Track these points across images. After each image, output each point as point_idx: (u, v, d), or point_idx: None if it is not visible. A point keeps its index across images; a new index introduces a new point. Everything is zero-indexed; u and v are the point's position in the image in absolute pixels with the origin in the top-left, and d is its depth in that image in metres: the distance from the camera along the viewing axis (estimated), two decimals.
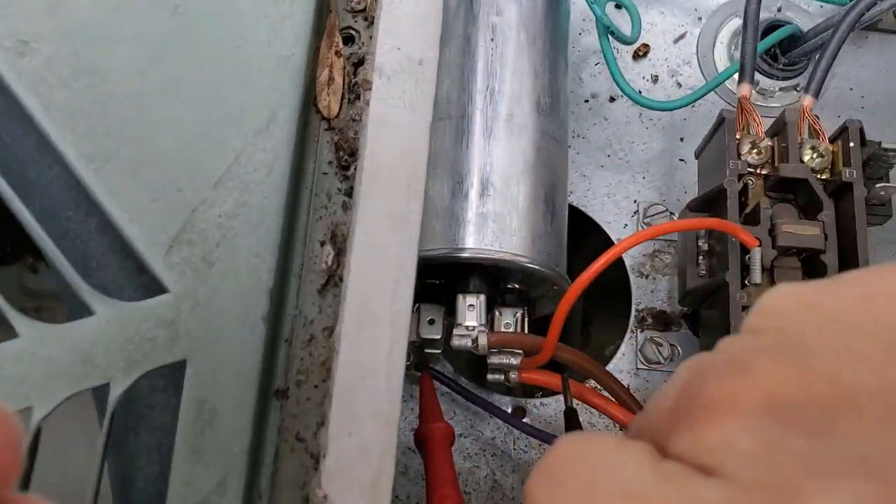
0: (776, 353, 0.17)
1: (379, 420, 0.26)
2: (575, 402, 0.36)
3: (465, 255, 0.33)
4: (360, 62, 0.31)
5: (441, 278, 0.36)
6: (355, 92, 0.31)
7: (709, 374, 0.18)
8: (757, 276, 0.35)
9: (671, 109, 0.44)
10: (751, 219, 0.37)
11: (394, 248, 0.28)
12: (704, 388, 0.17)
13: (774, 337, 0.18)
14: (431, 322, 0.36)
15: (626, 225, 0.44)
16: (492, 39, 0.37)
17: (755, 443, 0.16)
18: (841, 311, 0.18)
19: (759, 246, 0.35)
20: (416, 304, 0.35)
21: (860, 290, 0.18)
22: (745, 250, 0.36)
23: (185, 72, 0.28)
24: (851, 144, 0.36)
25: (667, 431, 0.18)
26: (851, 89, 0.46)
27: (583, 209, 0.45)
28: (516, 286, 0.37)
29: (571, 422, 0.34)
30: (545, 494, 0.18)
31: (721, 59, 0.46)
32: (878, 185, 0.36)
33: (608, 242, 0.44)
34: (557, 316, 0.33)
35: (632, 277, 0.44)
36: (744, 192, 0.37)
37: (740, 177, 0.37)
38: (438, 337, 0.35)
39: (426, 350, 0.37)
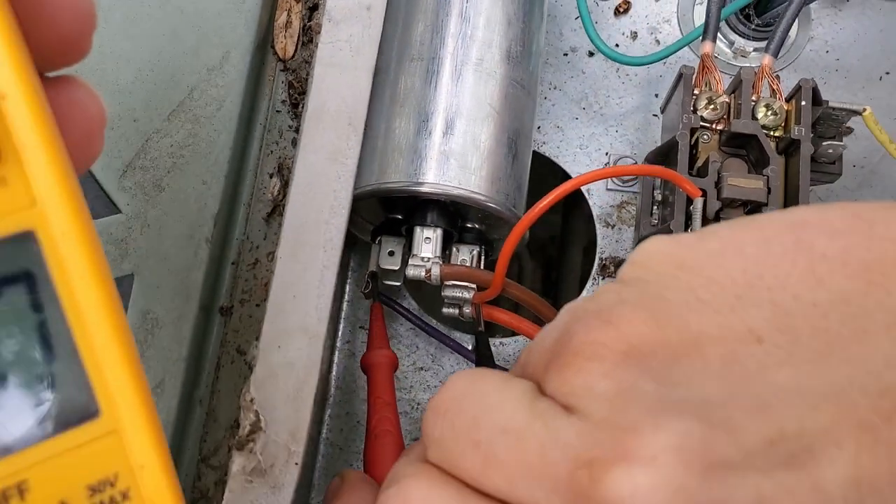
0: (637, 304, 0.19)
1: (306, 336, 0.29)
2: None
3: (424, 189, 0.35)
4: (314, 7, 0.33)
5: (402, 213, 0.38)
6: (309, 35, 0.33)
7: (580, 320, 0.19)
8: (698, 225, 0.36)
9: (642, 65, 0.44)
10: (702, 172, 0.38)
11: (331, 182, 0.30)
12: (574, 335, 0.19)
13: (638, 288, 0.20)
14: (391, 254, 0.38)
15: None
16: None
17: (610, 386, 0.18)
18: (697, 263, 0.20)
19: (704, 197, 0.36)
20: (378, 237, 0.38)
21: (717, 245, 0.20)
22: (690, 201, 0.37)
23: (143, 11, 0.30)
24: (803, 103, 0.37)
25: (544, 371, 0.20)
26: (828, 52, 0.46)
27: (555, 159, 0.46)
28: (475, 225, 0.39)
29: (480, 345, 0.36)
30: (437, 430, 0.21)
31: (700, 18, 0.47)
32: (825, 143, 0.37)
33: (577, 194, 0.46)
34: (506, 248, 0.34)
35: (598, 227, 0.45)
36: (695, 145, 0.38)
37: (693, 131, 0.38)
38: (397, 268, 0.38)
39: (385, 281, 0.39)
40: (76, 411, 0.16)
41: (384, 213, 0.38)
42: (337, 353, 0.41)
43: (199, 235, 0.29)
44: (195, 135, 0.30)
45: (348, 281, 0.41)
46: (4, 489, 0.16)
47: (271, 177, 0.31)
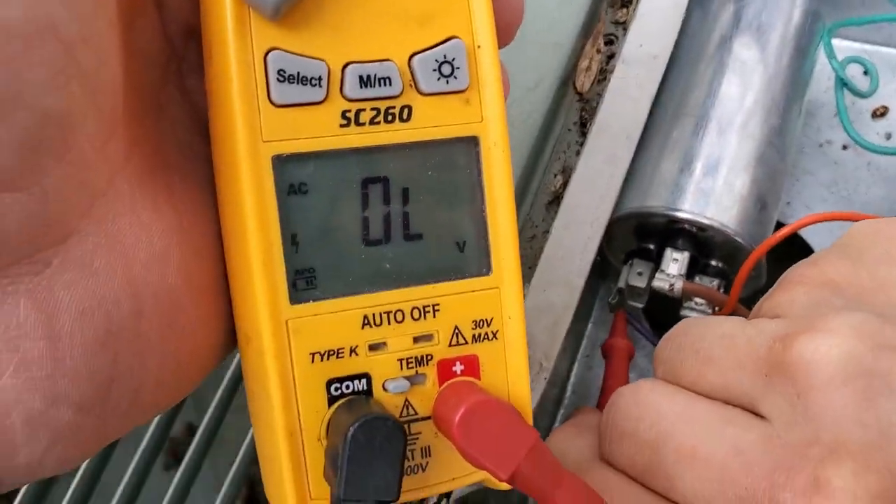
0: (839, 255, 0.25)
1: (567, 287, 0.35)
2: None
3: (680, 214, 0.41)
4: (611, 56, 0.41)
5: (654, 243, 0.44)
6: (604, 75, 0.40)
7: (797, 268, 0.26)
8: None
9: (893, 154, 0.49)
10: None
11: (605, 178, 0.37)
12: (787, 273, 0.26)
13: (842, 246, 0.26)
14: (640, 274, 0.43)
15: None
16: (740, 66, 0.45)
17: (808, 299, 0.24)
18: (893, 231, 0.25)
19: None
20: (630, 260, 0.44)
21: None
22: None
23: None
24: None
25: (761, 302, 0.26)
26: None
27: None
28: (719, 264, 0.44)
29: None
30: (665, 351, 0.27)
31: None
32: None
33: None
34: (740, 274, 0.39)
35: None
36: None
37: None
38: (643, 286, 0.43)
39: (630, 301, 0.45)
40: (477, 266, 0.24)
41: (637, 242, 0.44)
42: (577, 364, 0.46)
43: None
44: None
45: (595, 305, 0.47)
46: (425, 305, 0.23)
47: (555, 175, 0.39)
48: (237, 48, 0.21)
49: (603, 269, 0.45)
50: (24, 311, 0.18)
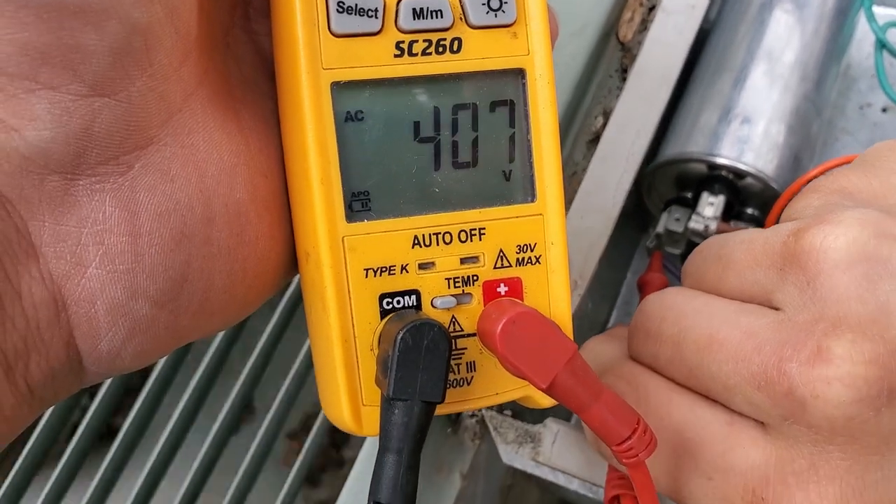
0: (853, 167, 0.27)
1: (603, 215, 0.37)
2: None
3: (718, 160, 0.41)
4: (652, 7, 0.42)
5: (692, 191, 0.45)
6: (644, 25, 0.41)
7: (815, 181, 0.28)
8: None
9: None
10: None
11: (641, 114, 0.38)
12: (806, 186, 0.28)
13: (858, 161, 0.28)
14: (677, 220, 0.44)
15: None
16: (780, 27, 0.45)
17: (820, 202, 0.26)
18: None
19: None
20: (669, 206, 0.45)
21: None
22: None
23: None
24: None
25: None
26: None
27: None
28: (754, 212, 0.45)
29: None
30: (690, 264, 0.28)
31: None
32: None
33: None
34: (773, 211, 0.40)
35: None
36: None
37: None
38: (680, 231, 0.44)
39: (667, 248, 0.46)
40: (522, 193, 0.25)
41: (676, 191, 0.45)
42: (615, 310, 0.48)
43: None
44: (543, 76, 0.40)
45: (635, 256, 0.49)
46: (472, 229, 0.24)
47: (596, 118, 0.40)
48: None
49: (644, 222, 0.46)
50: (110, 209, 0.20)
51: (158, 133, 0.21)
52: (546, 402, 0.25)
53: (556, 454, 0.33)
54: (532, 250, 0.25)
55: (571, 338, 0.25)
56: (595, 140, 0.39)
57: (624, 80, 0.40)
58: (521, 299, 0.25)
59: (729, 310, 0.25)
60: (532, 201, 0.25)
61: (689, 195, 0.45)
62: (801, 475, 0.23)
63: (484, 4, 0.24)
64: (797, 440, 0.23)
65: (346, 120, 0.23)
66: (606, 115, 0.39)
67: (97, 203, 0.20)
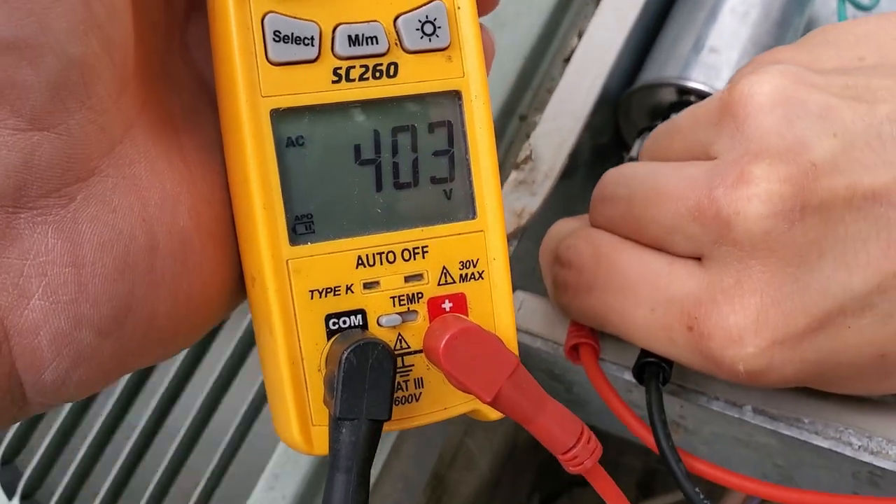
0: (790, 45, 0.30)
1: (572, 117, 0.40)
2: None
3: (689, 83, 0.42)
4: None
5: (665, 117, 0.44)
6: None
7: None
8: None
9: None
10: None
11: (610, 32, 0.42)
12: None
13: (797, 41, 0.31)
14: None
15: None
16: None
17: (754, 67, 0.28)
18: (844, 31, 0.30)
19: None
20: (643, 133, 0.44)
21: (864, 28, 0.29)
22: None
23: None
24: None
25: None
26: None
27: None
28: None
29: None
30: (647, 141, 0.32)
31: None
32: None
33: None
34: None
35: None
36: None
37: None
38: None
39: None
40: (463, 211, 0.25)
41: (649, 119, 0.46)
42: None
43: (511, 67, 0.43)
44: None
45: None
46: (415, 247, 0.25)
47: (571, 38, 0.44)
48: (237, 11, 0.23)
49: (621, 157, 0.48)
50: (52, 240, 0.20)
51: (100, 164, 0.21)
52: (494, 415, 0.26)
53: (520, 318, 0.35)
54: (475, 266, 0.26)
55: (515, 350, 0.26)
56: (570, 57, 0.43)
57: (598, 4, 0.44)
58: (466, 314, 0.25)
59: (673, 167, 0.29)
60: (473, 218, 0.25)
61: (661, 122, 0.46)
62: (728, 291, 0.26)
63: (418, 30, 0.24)
64: (726, 262, 0.26)
65: (287, 145, 0.24)
66: (581, 35, 0.43)
67: (39, 235, 0.20)
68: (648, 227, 0.28)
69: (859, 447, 0.29)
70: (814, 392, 0.30)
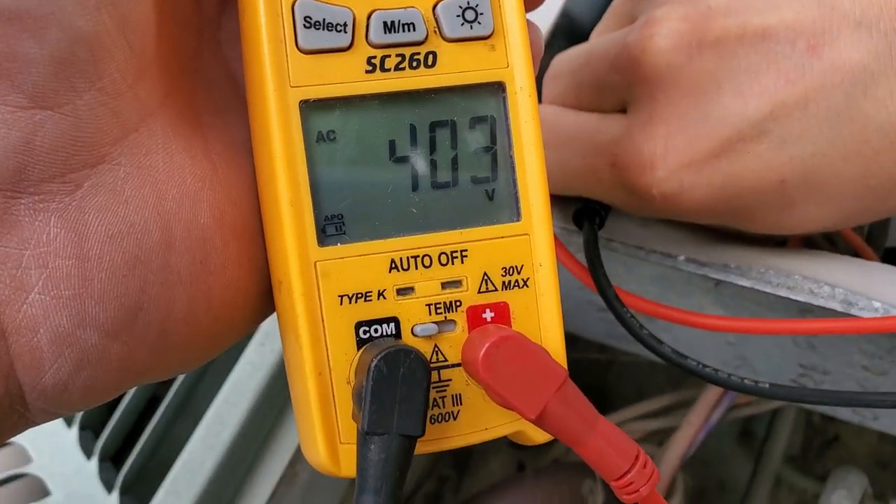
0: None
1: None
2: None
3: None
4: None
5: None
6: None
7: None
8: None
9: None
10: None
11: None
12: None
13: None
14: None
15: None
16: None
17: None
18: None
19: None
20: None
21: None
22: None
23: None
24: None
25: None
26: None
27: None
28: None
29: None
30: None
31: None
32: None
33: None
34: None
35: None
36: None
37: None
38: None
39: None
40: (506, 213, 0.23)
41: None
42: None
43: None
44: None
45: None
46: (453, 251, 0.23)
47: None
48: None
49: None
50: (54, 229, 0.18)
51: (111, 151, 0.19)
52: (541, 436, 0.23)
53: None
54: (519, 273, 0.23)
55: (564, 364, 0.23)
56: None
57: None
58: (509, 325, 0.23)
59: (605, 37, 0.32)
60: (517, 220, 0.23)
61: None
62: (641, 126, 0.29)
63: (459, 16, 0.23)
64: (640, 100, 0.30)
65: (318, 140, 0.22)
66: None
67: (41, 223, 0.19)
68: (584, 92, 0.32)
69: (778, 284, 0.32)
70: (739, 240, 0.33)
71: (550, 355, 0.22)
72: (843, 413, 0.43)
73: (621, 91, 0.31)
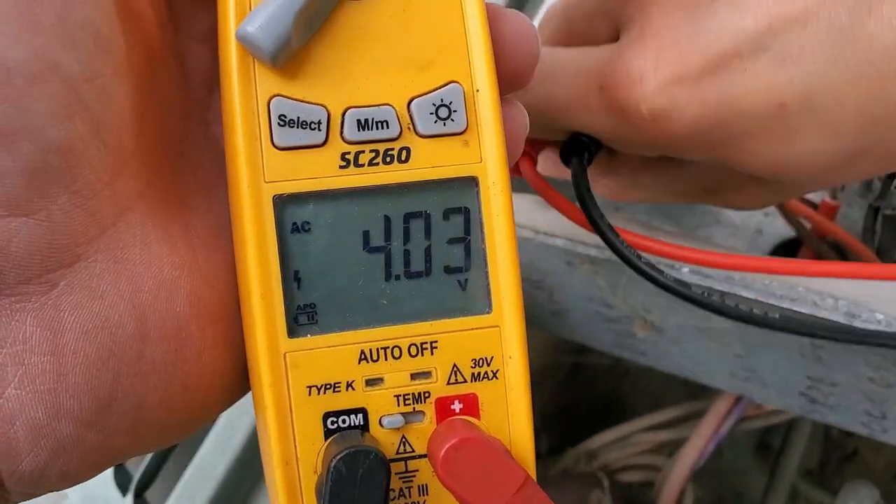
0: None
1: None
2: None
3: None
4: None
5: None
6: None
7: None
8: None
9: None
10: None
11: None
12: None
13: None
14: None
15: None
16: None
17: None
18: None
19: None
20: None
21: None
22: None
23: None
24: None
25: None
26: None
27: None
28: None
29: None
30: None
31: None
32: None
33: None
34: None
35: None
36: None
37: None
38: None
39: None
40: (478, 304, 0.24)
41: None
42: None
43: None
44: None
45: None
46: (423, 342, 0.23)
47: None
48: (242, 94, 0.22)
49: None
50: (31, 328, 0.19)
51: (87, 250, 0.20)
52: None
53: None
54: (489, 364, 0.24)
55: (532, 459, 0.23)
56: None
57: None
58: (478, 417, 0.24)
59: None
60: (488, 312, 0.24)
61: None
62: (632, 42, 0.28)
63: (432, 114, 0.23)
64: (631, 18, 0.29)
65: (293, 231, 0.23)
66: None
67: (17, 323, 0.19)
68: (577, 25, 0.32)
69: (781, 296, 0.32)
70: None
71: (511, 456, 0.22)
72: (855, 426, 0.42)
73: (614, 14, 0.30)
